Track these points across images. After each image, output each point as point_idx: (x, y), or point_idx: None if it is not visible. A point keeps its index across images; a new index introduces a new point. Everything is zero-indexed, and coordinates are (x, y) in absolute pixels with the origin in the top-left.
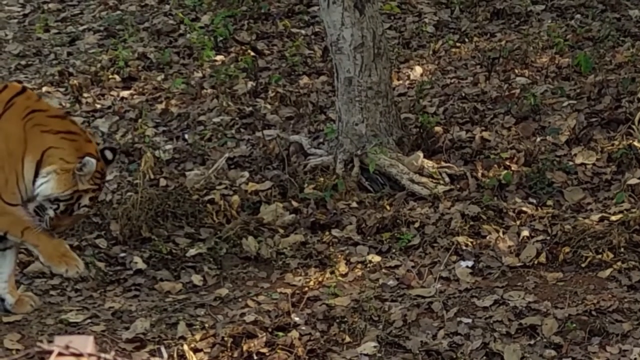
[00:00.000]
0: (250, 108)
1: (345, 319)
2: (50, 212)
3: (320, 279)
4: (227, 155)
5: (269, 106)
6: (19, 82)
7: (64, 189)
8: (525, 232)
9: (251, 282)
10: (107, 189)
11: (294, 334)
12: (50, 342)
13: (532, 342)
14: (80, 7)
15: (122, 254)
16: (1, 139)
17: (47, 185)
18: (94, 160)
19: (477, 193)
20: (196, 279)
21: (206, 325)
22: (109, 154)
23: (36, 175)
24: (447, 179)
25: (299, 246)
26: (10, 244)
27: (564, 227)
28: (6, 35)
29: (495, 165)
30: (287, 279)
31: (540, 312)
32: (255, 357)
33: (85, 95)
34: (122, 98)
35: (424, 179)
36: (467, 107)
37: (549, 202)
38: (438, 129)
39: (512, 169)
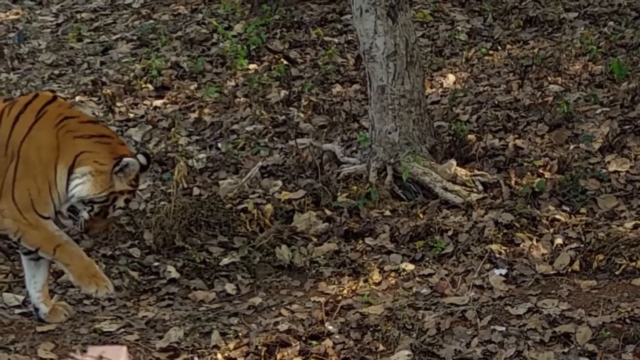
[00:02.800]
0: (283, 117)
1: (379, 328)
2: (85, 214)
3: (353, 288)
4: (260, 164)
5: (302, 115)
6: (52, 91)
7: (100, 190)
8: (559, 240)
9: (285, 291)
10: (140, 198)
11: (328, 342)
12: (83, 351)
13: (566, 350)
14: (113, 17)
15: (156, 263)
16: (33, 148)
17: (82, 187)
18: (135, 160)
19: (510, 201)
20: (230, 287)
21: (240, 334)
22: (142, 159)
23: (69, 181)
24: (480, 187)
25: (333, 255)
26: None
27: (598, 235)
28: (39, 44)
29: (529, 173)
30: (321, 287)
31: (574, 320)
32: None
33: (118, 104)
34: (155, 107)
35: (457, 187)
36: (500, 114)
37: (583, 210)
38: (471, 136)
39: (546, 176)
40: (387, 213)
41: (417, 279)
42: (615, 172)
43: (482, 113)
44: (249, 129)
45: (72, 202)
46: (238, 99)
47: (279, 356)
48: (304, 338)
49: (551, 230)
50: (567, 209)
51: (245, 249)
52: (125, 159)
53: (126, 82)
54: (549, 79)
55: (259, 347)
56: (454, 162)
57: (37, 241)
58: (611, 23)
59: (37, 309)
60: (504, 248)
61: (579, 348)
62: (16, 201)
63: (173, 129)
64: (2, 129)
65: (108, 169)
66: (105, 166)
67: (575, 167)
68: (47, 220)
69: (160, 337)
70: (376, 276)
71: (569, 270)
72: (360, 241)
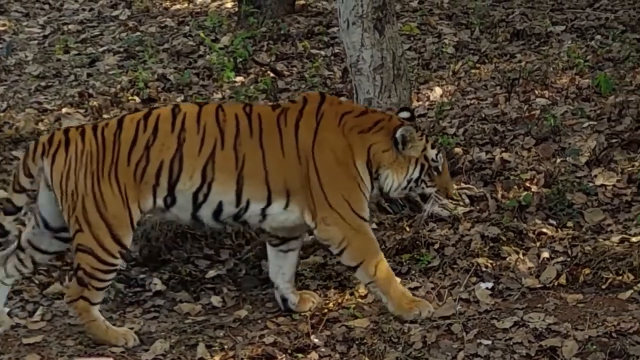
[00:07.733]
0: None
1: (365, 341)
2: (427, 189)
3: (339, 301)
4: None
5: None
6: (39, 103)
7: (409, 172)
8: (545, 254)
9: (270, 304)
10: None
11: (314, 355)
12: None
13: None
14: (100, 29)
15: (142, 276)
16: (327, 150)
17: (393, 181)
18: (405, 127)
19: (497, 214)
20: (215, 300)
21: (225, 346)
22: (405, 114)
23: (373, 179)
24: (467, 200)
25: (318, 267)
26: (293, 246)
27: (584, 249)
28: (26, 56)
29: (515, 187)
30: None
31: (561, 334)
32: None
33: (105, 116)
34: None
35: (443, 200)
36: (487, 128)
37: (569, 224)
38: (458, 150)
39: (532, 190)
40: (374, 226)
41: None
42: (602, 185)
43: (468, 126)
44: None
45: (412, 192)
46: None
47: None
48: (289, 351)
49: (538, 243)
50: (554, 222)
51: (231, 261)
52: (397, 134)
53: (113, 94)
54: (536, 92)
55: None
56: None
57: (362, 253)
58: (598, 37)
59: (285, 299)
60: (491, 261)
61: None
62: (334, 207)
63: None
64: (287, 139)
65: (395, 154)
66: (390, 150)
67: (562, 181)
68: (368, 225)
69: (146, 350)
70: (362, 289)
71: (556, 283)
72: None
